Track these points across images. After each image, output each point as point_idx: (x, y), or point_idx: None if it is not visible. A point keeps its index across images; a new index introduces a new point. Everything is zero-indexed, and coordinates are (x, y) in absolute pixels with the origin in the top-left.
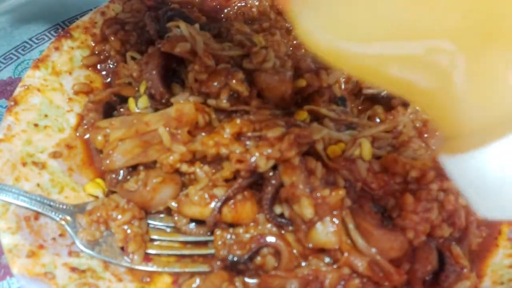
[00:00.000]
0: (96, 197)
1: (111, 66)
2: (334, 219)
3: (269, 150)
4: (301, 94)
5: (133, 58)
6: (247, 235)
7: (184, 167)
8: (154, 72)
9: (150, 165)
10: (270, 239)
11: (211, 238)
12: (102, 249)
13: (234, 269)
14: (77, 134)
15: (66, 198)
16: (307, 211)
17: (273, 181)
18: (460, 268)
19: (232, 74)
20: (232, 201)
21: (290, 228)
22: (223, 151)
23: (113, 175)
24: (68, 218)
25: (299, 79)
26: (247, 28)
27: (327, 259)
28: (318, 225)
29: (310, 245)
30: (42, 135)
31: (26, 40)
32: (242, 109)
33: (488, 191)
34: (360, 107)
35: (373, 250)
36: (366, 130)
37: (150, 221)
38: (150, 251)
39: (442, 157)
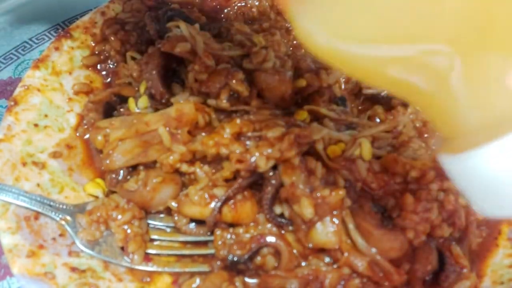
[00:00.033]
0: (96, 197)
1: (111, 66)
2: (334, 219)
3: (269, 150)
4: (301, 94)
5: (133, 58)
6: (247, 235)
7: (184, 167)
8: (154, 72)
9: (150, 165)
10: (270, 239)
11: (211, 238)
12: (102, 249)
13: (234, 269)
14: (77, 134)
15: (66, 198)
16: (307, 211)
17: (273, 181)
18: (460, 268)
19: (232, 74)
20: (232, 201)
21: (290, 228)
22: (223, 151)
23: (113, 175)
24: (68, 218)
25: (299, 79)
26: (247, 28)
27: (327, 259)
28: (318, 225)
29: (310, 245)
30: (42, 135)
31: (26, 40)
32: (242, 109)
33: (487, 190)
34: (360, 107)
35: (373, 250)
36: (366, 130)
37: (150, 221)
38: (150, 251)
39: (441, 157)
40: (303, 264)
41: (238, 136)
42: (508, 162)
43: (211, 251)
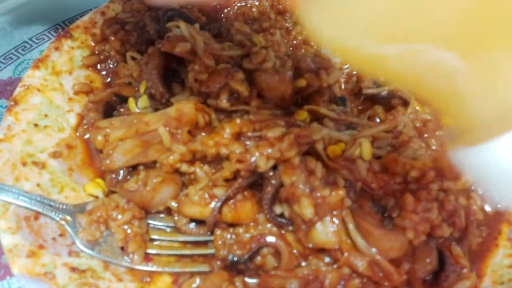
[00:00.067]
0: (96, 197)
1: (111, 66)
2: (334, 219)
3: (269, 150)
4: (301, 94)
5: (133, 58)
6: (247, 235)
7: (184, 167)
8: (154, 72)
9: (150, 165)
10: (270, 239)
11: (211, 238)
12: (102, 249)
13: (234, 269)
14: (77, 134)
15: (66, 198)
16: (307, 211)
17: (273, 181)
18: (460, 268)
19: (232, 74)
20: (232, 201)
21: (290, 228)
22: (223, 151)
23: (113, 175)
24: (68, 218)
25: (299, 79)
26: (247, 28)
27: (327, 259)
28: (318, 225)
29: (310, 245)
30: (42, 135)
31: (26, 40)
32: (242, 109)
33: (502, 181)
34: (360, 107)
35: (373, 250)
36: (366, 130)
37: (150, 221)
38: (150, 251)
39: (454, 150)
40: (303, 264)
41: (238, 136)
42: None
43: (211, 251)
